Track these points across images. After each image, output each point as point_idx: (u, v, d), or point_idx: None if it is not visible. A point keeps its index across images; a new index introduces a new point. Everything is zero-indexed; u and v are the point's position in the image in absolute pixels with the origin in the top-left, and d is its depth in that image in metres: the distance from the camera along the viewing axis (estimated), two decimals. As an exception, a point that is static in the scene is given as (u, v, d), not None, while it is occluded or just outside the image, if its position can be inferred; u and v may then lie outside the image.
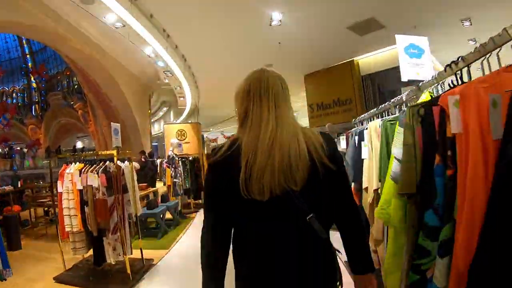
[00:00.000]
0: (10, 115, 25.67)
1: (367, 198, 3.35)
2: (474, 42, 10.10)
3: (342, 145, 4.54)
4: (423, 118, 1.82)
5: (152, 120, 24.13)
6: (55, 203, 5.46)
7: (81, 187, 4.81)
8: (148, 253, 6.08)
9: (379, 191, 2.92)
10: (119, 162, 5.14)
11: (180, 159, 10.19)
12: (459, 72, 1.81)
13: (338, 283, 1.46)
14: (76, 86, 27.55)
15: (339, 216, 1.52)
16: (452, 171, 1.50)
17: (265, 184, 1.28)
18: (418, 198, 1.80)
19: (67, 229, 4.87)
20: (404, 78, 3.62)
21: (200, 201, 11.06)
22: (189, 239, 7.34)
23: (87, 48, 10.88)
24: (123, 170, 5.11)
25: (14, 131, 29.24)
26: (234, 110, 1.54)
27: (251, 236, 1.40)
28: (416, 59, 3.66)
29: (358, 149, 3.78)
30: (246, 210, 1.37)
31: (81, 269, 5.34)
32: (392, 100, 3.23)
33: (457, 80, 1.82)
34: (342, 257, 1.55)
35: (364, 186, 3.49)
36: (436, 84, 2.23)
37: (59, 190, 5.07)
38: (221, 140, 32.99)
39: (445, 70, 1.97)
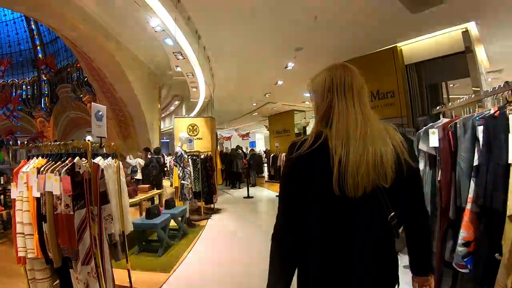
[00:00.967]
0: (12, 106, 25.05)
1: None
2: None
3: (433, 142, 2.96)
4: None
5: (162, 115, 22.94)
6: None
7: (38, 194, 3.26)
8: (142, 278, 4.63)
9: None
10: (97, 159, 3.58)
11: (190, 157, 8.70)
12: None
13: (397, 284, 1.43)
14: (86, 79, 26.39)
15: (410, 216, 1.47)
16: None
17: (360, 180, 1.27)
18: None
19: (20, 253, 3.33)
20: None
21: (212, 205, 9.74)
22: (198, 257, 5.88)
23: (87, 26, 9.55)
24: (102, 170, 3.51)
25: (23, 124, 29.05)
26: (303, 102, 1.16)
27: (329, 232, 1.35)
28: None
29: (486, 149, 2.23)
30: (332, 205, 1.33)
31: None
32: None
33: None
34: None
35: (509, 212, 1.99)
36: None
37: (13, 196, 3.53)
38: (236, 139, 32.12)
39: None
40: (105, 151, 4.03)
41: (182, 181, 7.80)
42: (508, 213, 1.98)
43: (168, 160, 11.57)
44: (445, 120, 3.09)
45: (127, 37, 10.71)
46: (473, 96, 2.95)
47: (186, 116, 14.38)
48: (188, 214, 8.07)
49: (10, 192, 8.64)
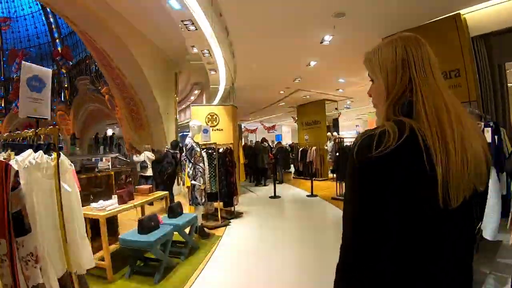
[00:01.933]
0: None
1: None
2: None
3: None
4: None
5: (183, 106, 21.64)
6: None
7: None
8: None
9: None
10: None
11: (204, 150, 7.15)
12: None
13: None
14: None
15: None
16: None
17: (464, 185, 1.01)
18: None
19: None
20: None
21: (232, 208, 8.20)
22: (208, 285, 4.33)
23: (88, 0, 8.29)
24: (17, 174, 1.91)
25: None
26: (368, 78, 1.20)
27: (415, 247, 1.02)
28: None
29: None
30: (427, 220, 1.01)
31: None
32: None
33: None
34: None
35: None
36: None
37: None
38: (261, 132, 30.50)
39: None
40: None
41: (193, 181, 6.24)
42: None
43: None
44: None
45: (135, 14, 9.39)
46: None
47: (205, 104, 12.80)
48: (201, 221, 6.51)
49: None
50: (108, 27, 9.61)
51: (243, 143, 16.96)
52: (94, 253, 3.57)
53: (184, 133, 19.90)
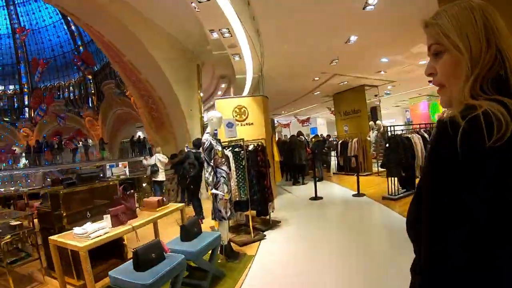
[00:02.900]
0: (46, 105, 25.39)
1: None
2: None
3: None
4: None
5: (211, 103, 20.41)
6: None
7: None
8: None
9: None
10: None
11: (228, 149, 5.90)
12: None
13: None
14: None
15: None
16: None
17: None
18: None
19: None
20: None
21: (268, 217, 6.74)
22: None
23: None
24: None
25: (73, 124, 29.32)
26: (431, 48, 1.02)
27: None
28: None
29: None
30: None
31: None
32: None
33: None
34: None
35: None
36: None
37: None
38: (295, 126, 28.83)
39: None
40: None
41: (214, 191, 4.85)
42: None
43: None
44: None
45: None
46: None
47: (231, 96, 11.47)
48: (228, 237, 5.12)
49: None
50: (112, 15, 8.49)
51: (276, 138, 15.51)
52: None
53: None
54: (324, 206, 8.57)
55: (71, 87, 31.65)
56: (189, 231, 4.09)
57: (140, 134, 29.24)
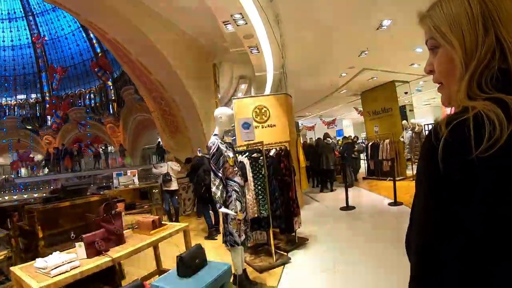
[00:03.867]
0: (62, 112, 25.73)
1: None
2: None
3: None
4: None
5: (231, 107, 19.61)
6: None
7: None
8: None
9: None
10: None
11: (244, 155, 5.04)
12: None
13: None
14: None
15: None
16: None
17: None
18: None
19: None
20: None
21: (293, 234, 5.69)
22: None
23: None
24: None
25: (94, 131, 29.40)
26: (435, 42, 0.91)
27: None
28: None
29: None
30: None
31: None
32: None
33: None
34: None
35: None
36: None
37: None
38: (320, 128, 27.49)
39: None
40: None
41: (223, 209, 3.84)
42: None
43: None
44: None
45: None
46: None
47: (250, 96, 10.53)
48: (243, 266, 4.11)
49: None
50: (113, 8, 7.74)
51: (302, 142, 14.49)
52: None
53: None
54: (357, 217, 7.49)
55: (91, 94, 31.78)
56: (189, 265, 3.09)
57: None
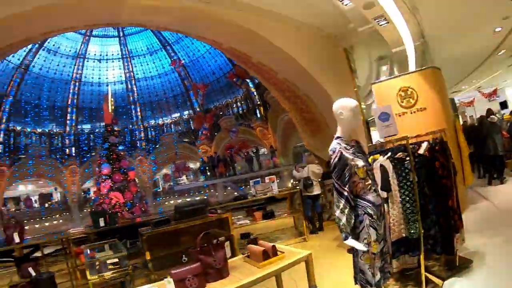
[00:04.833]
0: (208, 124, 28.35)
1: None
2: None
3: None
4: None
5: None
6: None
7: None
8: None
9: None
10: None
11: (384, 156, 4.12)
12: None
13: None
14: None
15: None
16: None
17: None
18: None
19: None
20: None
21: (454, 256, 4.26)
22: None
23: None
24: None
25: (246, 137, 31.00)
26: None
27: None
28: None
29: None
30: None
31: None
32: None
33: None
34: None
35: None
36: None
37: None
38: (480, 103, 22.85)
39: None
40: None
41: (350, 241, 2.91)
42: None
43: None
44: None
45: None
46: None
47: (388, 78, 9.23)
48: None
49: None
50: (220, 18, 7.87)
51: (461, 123, 12.38)
52: None
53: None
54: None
55: (238, 103, 33.34)
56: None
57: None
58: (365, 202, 2.97)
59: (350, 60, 10.16)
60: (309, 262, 3.13)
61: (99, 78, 29.76)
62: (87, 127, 29.51)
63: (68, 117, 28.44)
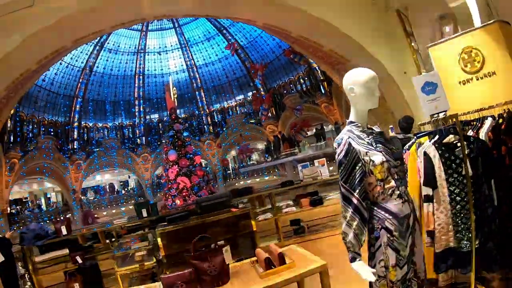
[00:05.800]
0: (266, 104, 28.51)
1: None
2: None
3: None
4: None
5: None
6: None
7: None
8: None
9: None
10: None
11: (430, 141, 3.24)
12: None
13: None
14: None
15: None
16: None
17: None
18: None
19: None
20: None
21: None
22: None
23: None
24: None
25: (311, 114, 30.78)
26: None
27: None
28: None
29: None
30: None
31: None
32: None
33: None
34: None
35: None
36: None
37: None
38: None
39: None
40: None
41: (354, 264, 2.09)
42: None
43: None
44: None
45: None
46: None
47: (446, 39, 8.07)
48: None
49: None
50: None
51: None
52: None
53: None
54: None
55: (301, 79, 32.95)
56: None
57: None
58: (383, 213, 2.17)
59: (404, 22, 9.21)
60: (324, 274, 2.65)
61: (161, 70, 31.32)
62: (155, 116, 31.43)
63: (136, 109, 30.50)
